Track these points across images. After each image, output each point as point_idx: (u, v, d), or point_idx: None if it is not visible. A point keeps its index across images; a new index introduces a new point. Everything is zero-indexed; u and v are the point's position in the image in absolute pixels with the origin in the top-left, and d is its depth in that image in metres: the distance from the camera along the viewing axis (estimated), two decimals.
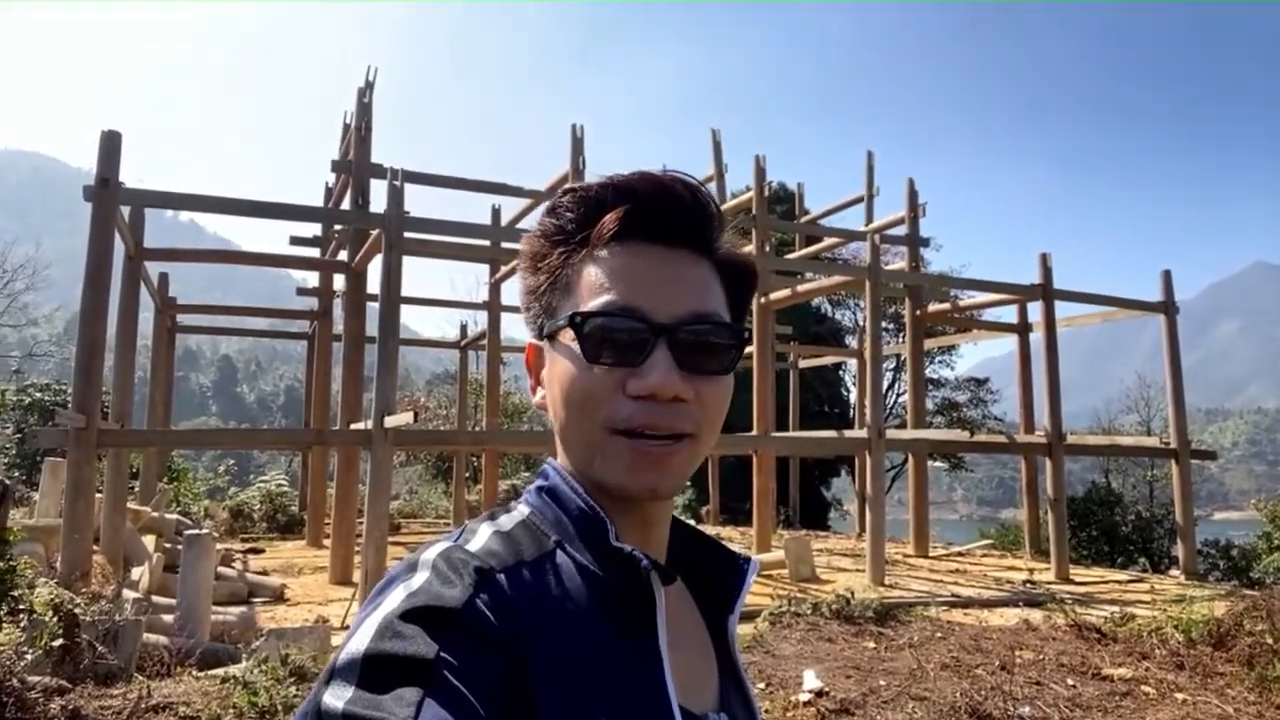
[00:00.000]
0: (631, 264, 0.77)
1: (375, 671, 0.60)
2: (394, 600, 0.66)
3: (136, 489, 15.14)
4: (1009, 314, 17.79)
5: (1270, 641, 6.67)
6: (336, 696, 0.60)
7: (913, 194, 17.26)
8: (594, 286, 0.77)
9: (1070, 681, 6.07)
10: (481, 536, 0.76)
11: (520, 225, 15.52)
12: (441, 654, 0.61)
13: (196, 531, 8.61)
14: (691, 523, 0.92)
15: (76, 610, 5.38)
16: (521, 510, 0.82)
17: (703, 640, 0.86)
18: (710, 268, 0.81)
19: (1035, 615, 8.88)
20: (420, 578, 0.68)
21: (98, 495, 10.62)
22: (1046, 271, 14.42)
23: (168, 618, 7.56)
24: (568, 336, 0.77)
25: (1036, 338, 15.49)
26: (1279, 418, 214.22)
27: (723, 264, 0.82)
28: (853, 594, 8.59)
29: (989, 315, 20.27)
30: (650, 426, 0.75)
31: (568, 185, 0.82)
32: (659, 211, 0.78)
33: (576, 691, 0.67)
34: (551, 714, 0.65)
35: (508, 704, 0.64)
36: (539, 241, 0.82)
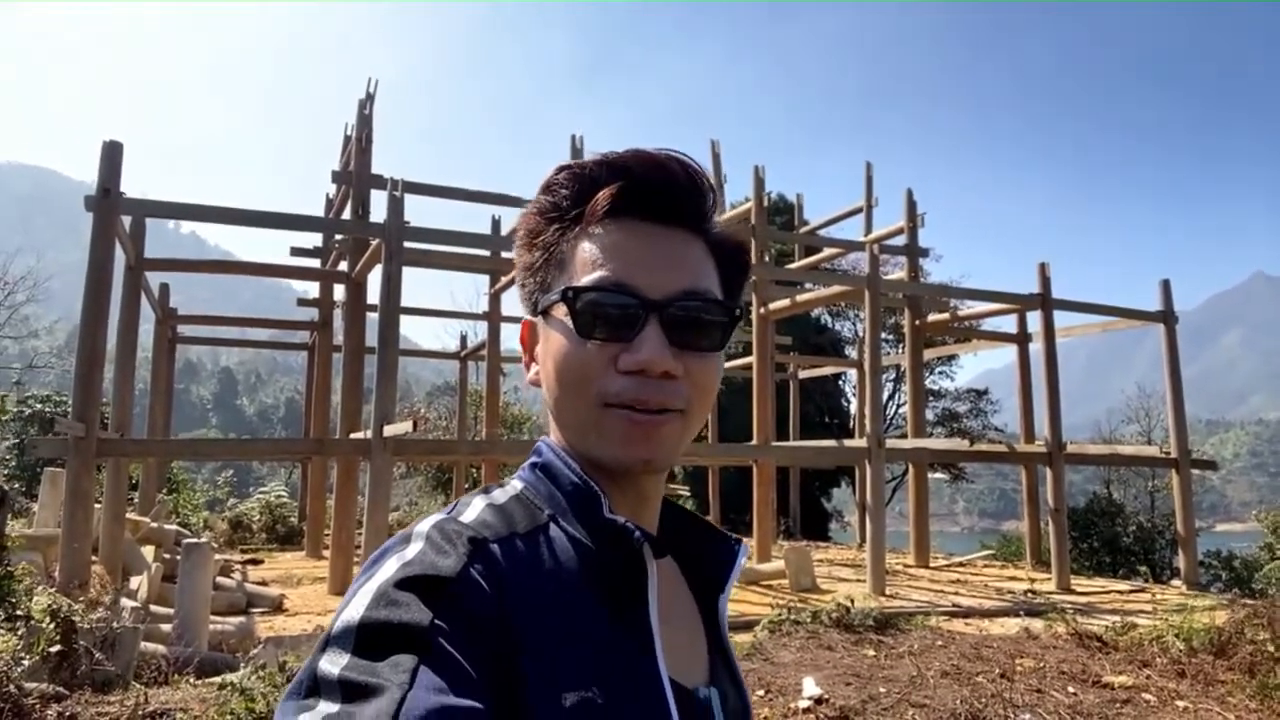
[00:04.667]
0: (625, 241, 0.78)
1: (371, 639, 0.60)
2: (389, 569, 0.66)
3: (136, 500, 15.13)
4: (1009, 324, 17.81)
5: (1272, 649, 6.64)
6: (332, 663, 0.60)
7: (911, 205, 17.32)
8: (587, 262, 0.78)
9: (1071, 689, 6.05)
10: (475, 509, 0.77)
11: None
12: (436, 621, 0.62)
13: (195, 540, 8.59)
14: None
15: (75, 617, 5.37)
16: (515, 485, 0.82)
17: (693, 618, 0.86)
18: (703, 246, 0.82)
19: (1036, 624, 8.85)
20: (414, 548, 0.69)
21: (97, 506, 10.61)
22: (1045, 281, 14.44)
23: (166, 627, 7.54)
24: (561, 312, 0.78)
25: (1036, 348, 15.50)
26: None
27: (716, 243, 0.83)
28: (853, 602, 8.57)
29: (988, 325, 20.29)
30: (640, 401, 0.75)
31: (562, 163, 0.83)
32: (653, 189, 0.79)
33: (567, 661, 0.67)
34: (542, 683, 0.65)
35: (500, 671, 0.64)
36: (534, 219, 0.83)
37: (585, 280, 0.77)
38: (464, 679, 0.60)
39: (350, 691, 0.57)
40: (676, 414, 0.77)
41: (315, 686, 0.59)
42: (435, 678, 0.59)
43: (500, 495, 0.80)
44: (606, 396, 0.76)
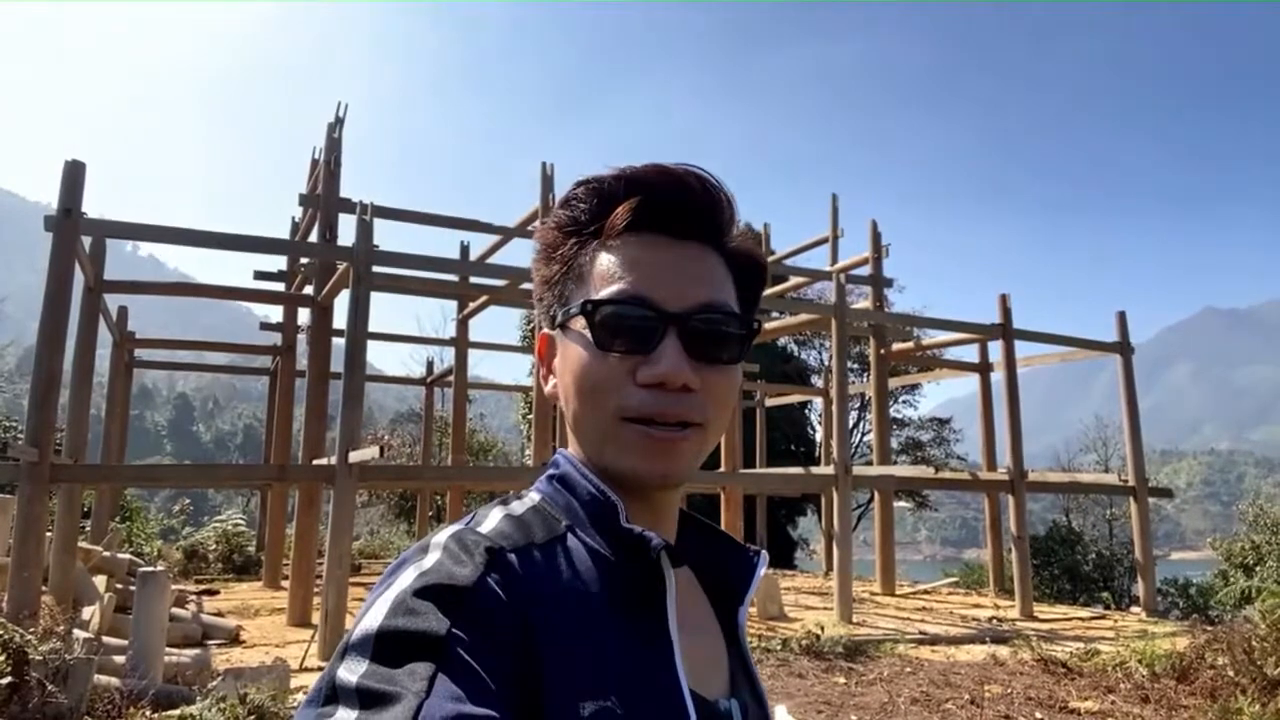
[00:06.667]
0: (644, 254, 0.79)
1: (389, 647, 0.61)
2: (406, 579, 0.66)
3: (88, 528, 14.69)
4: (971, 353, 18.11)
5: (1232, 674, 6.76)
6: (350, 671, 0.60)
7: (876, 235, 17.60)
8: (606, 276, 0.78)
9: (1038, 715, 6.09)
10: (493, 519, 0.76)
11: (490, 260, 15.53)
12: (453, 630, 0.62)
13: (151, 569, 8.35)
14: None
15: (27, 648, 5.18)
16: (533, 496, 0.82)
17: (713, 629, 0.86)
18: (720, 260, 0.83)
19: (1002, 651, 8.92)
20: (432, 558, 0.69)
21: (47, 534, 10.28)
22: (1006, 311, 14.72)
23: (119, 659, 7.30)
24: (580, 324, 0.78)
25: (997, 377, 15.76)
26: (1231, 458, 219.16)
27: (733, 256, 0.84)
28: (822, 630, 8.58)
29: (951, 355, 20.62)
30: (659, 414, 0.75)
31: (581, 177, 0.83)
32: (671, 204, 0.79)
33: (585, 670, 0.67)
34: (560, 692, 0.65)
35: (517, 680, 0.64)
36: (552, 233, 0.83)
37: (604, 293, 0.77)
38: (481, 688, 0.60)
39: (368, 699, 0.57)
40: (695, 428, 0.77)
41: (334, 694, 0.59)
42: (453, 686, 0.59)
43: (518, 506, 0.80)
44: (625, 410, 0.76)
